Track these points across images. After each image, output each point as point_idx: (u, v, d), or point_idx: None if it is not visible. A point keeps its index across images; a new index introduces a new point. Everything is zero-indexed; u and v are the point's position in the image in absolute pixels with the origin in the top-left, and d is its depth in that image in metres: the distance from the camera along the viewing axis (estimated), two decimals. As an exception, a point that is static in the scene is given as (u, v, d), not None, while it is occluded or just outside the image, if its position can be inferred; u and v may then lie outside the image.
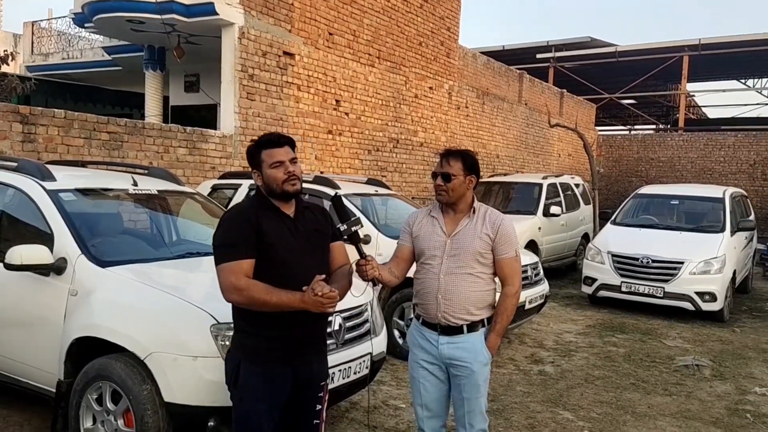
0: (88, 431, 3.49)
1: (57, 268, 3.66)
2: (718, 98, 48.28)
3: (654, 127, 34.14)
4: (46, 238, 3.81)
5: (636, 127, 35.46)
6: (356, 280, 2.89)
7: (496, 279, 3.06)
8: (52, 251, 3.69)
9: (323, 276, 2.55)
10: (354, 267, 2.79)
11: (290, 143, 2.75)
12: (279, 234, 2.66)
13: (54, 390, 3.63)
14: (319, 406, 2.85)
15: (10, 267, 3.58)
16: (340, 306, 3.31)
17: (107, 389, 3.39)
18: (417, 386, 3.12)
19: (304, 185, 2.95)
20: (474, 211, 3.03)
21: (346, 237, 2.77)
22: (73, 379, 3.53)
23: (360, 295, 2.93)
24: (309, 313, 2.57)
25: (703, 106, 35.32)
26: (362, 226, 2.82)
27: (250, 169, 2.81)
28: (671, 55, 24.34)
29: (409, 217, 3.19)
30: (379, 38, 11.85)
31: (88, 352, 3.49)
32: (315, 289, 2.48)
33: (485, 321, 3.03)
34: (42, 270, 3.67)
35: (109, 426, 3.41)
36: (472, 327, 2.99)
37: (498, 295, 3.07)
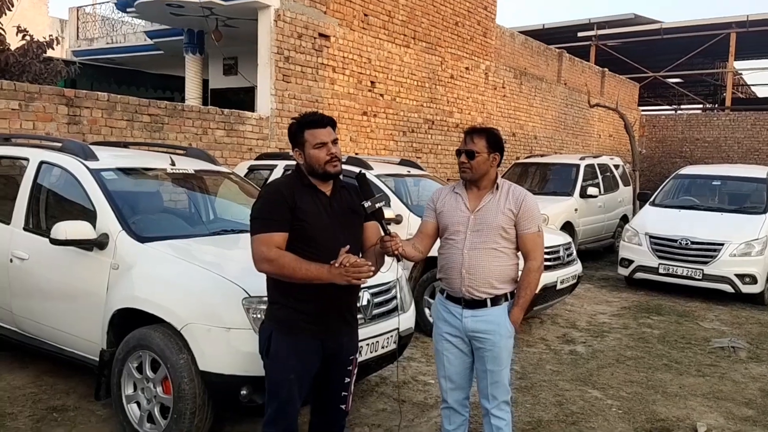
0: (129, 398, 3.68)
1: (99, 243, 3.84)
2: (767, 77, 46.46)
3: (701, 106, 33.14)
4: (89, 214, 3.99)
5: (682, 106, 34.47)
6: None
7: (519, 254, 3.10)
8: (94, 227, 3.87)
9: (347, 247, 2.61)
10: (378, 243, 2.85)
11: (332, 124, 2.83)
12: (314, 211, 2.75)
13: (97, 359, 3.82)
14: (347, 379, 2.94)
15: (55, 242, 3.77)
16: (368, 282, 3.40)
17: (147, 358, 3.56)
18: (441, 359, 3.21)
19: None
20: (497, 187, 3.07)
21: (370, 213, 2.84)
22: (115, 349, 3.71)
23: (386, 270, 2.99)
24: (338, 288, 2.65)
25: (752, 85, 34.12)
26: (386, 203, 2.89)
27: (284, 150, 2.90)
28: (718, 32, 23.54)
29: (433, 194, 3.25)
30: (414, 18, 11.80)
31: (129, 323, 3.67)
32: (342, 261, 2.55)
33: (508, 295, 3.08)
34: (85, 245, 3.85)
35: (149, 393, 3.58)
36: (496, 301, 3.04)
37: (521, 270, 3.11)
